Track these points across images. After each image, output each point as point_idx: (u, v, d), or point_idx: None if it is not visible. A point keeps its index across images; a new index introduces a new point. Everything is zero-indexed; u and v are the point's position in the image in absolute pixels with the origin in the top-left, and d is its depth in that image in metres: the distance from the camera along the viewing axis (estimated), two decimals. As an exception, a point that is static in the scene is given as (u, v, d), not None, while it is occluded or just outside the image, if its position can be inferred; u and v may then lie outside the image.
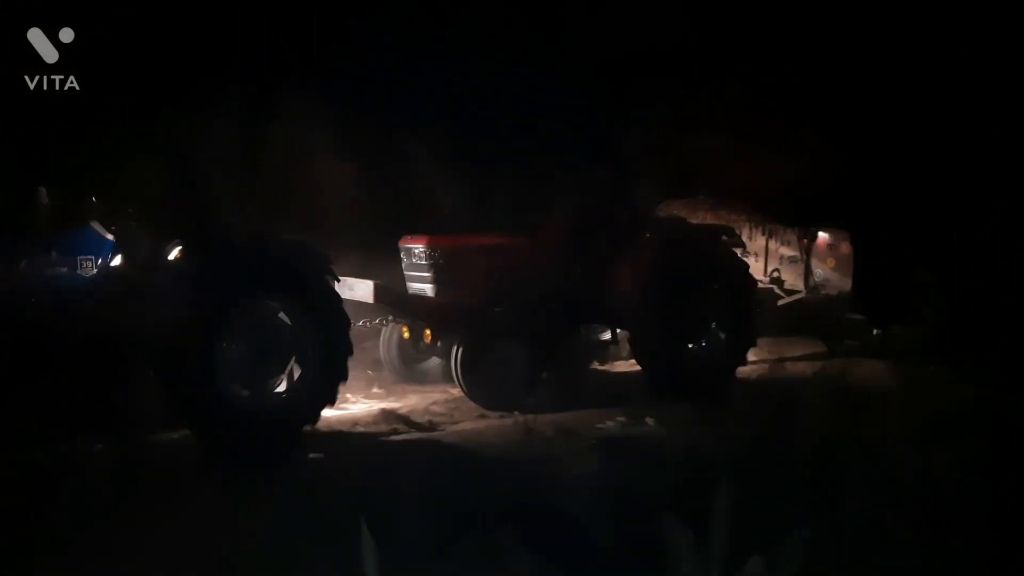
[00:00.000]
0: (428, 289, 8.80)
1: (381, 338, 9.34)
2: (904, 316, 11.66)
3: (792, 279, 11.93)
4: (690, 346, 9.14)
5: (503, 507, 4.75)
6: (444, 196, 10.62)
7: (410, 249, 8.97)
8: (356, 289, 8.25)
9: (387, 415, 8.34)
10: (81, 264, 6.91)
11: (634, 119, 12.59)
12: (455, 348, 8.45)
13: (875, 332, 11.73)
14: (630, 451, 6.67)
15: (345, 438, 7.57)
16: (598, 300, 8.97)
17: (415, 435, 7.69)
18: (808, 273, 11.85)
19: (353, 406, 8.68)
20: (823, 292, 11.76)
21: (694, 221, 11.31)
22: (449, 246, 8.80)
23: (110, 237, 7.00)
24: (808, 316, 11.59)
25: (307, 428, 7.02)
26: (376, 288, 8.35)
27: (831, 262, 11.76)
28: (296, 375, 7.02)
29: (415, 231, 9.06)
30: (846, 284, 11.57)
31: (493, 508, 4.70)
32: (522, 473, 6.14)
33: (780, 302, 11.73)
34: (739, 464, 5.05)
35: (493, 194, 10.46)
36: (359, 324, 8.30)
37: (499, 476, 6.05)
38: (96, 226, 7.01)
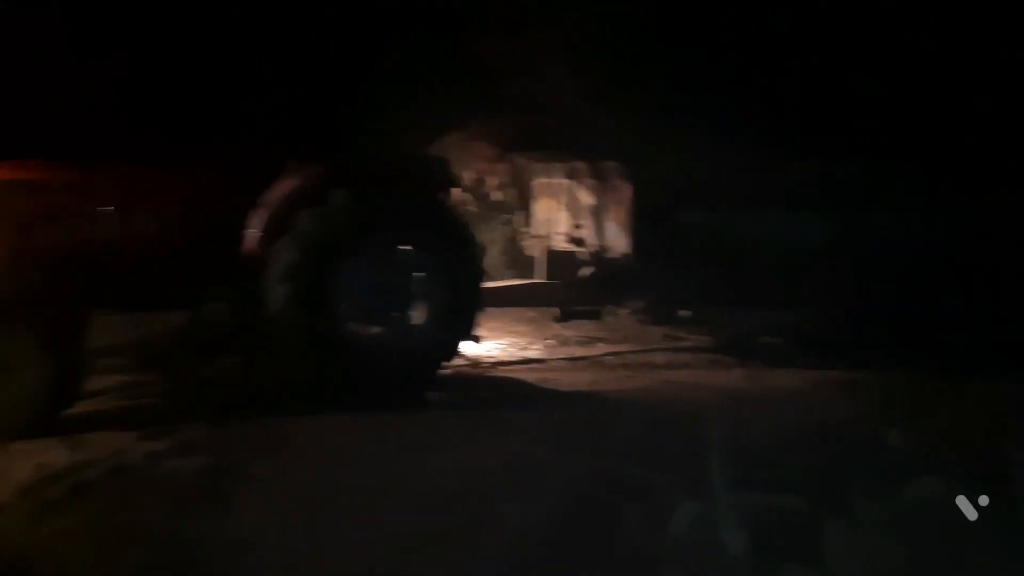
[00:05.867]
0: None
1: None
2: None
3: (591, 237, 9.28)
4: (351, 331, 7.25)
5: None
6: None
7: None
8: None
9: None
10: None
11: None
12: None
13: (681, 313, 9.12)
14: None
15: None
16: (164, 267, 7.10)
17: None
18: (599, 230, 9.20)
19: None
20: (605, 255, 9.01)
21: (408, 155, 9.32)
22: None
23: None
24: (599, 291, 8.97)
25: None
26: None
27: (617, 212, 9.12)
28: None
29: None
30: (622, 244, 9.08)
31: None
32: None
33: (581, 272, 9.04)
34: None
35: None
36: None
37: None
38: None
